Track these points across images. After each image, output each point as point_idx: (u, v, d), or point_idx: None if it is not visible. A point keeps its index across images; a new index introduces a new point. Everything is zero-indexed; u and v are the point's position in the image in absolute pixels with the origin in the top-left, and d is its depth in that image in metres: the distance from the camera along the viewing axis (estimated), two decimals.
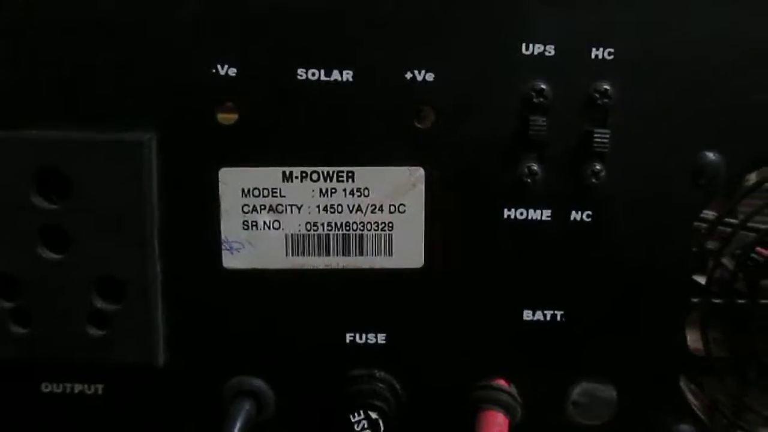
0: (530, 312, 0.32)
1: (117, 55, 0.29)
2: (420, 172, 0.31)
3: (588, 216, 0.31)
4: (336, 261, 0.32)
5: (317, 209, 0.31)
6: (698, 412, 0.34)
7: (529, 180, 0.31)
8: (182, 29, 0.29)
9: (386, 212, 0.31)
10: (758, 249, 0.33)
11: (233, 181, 0.31)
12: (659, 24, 0.30)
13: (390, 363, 0.33)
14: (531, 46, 0.30)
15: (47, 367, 0.32)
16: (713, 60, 0.30)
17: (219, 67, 0.29)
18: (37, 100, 0.30)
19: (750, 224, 0.32)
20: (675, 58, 0.30)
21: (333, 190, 0.31)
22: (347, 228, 0.31)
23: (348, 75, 0.30)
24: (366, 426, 0.32)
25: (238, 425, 0.31)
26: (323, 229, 0.31)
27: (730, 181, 0.31)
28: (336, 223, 0.31)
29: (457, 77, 0.30)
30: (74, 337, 0.31)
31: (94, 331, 0.31)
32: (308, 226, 0.31)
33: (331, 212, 0.31)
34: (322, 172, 0.31)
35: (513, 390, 0.33)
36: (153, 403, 0.33)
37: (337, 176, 0.31)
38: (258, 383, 0.33)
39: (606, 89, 0.30)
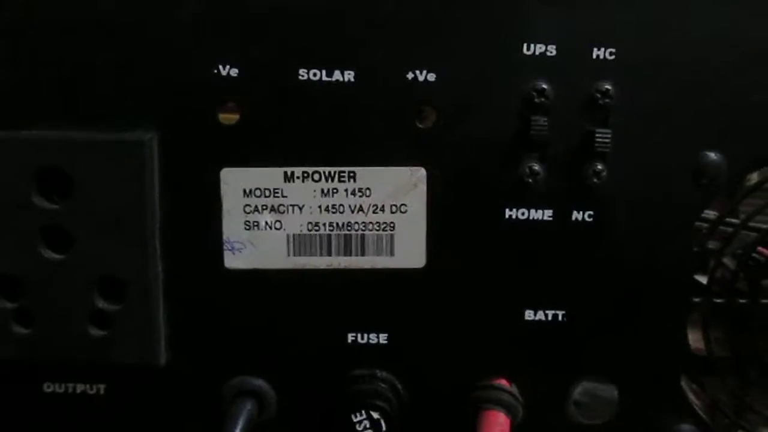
0: (532, 312, 0.32)
1: (118, 54, 0.29)
2: (421, 172, 0.31)
3: (589, 216, 0.31)
4: (337, 261, 0.32)
5: (319, 209, 0.31)
6: (699, 412, 0.34)
7: (530, 180, 0.31)
8: (183, 29, 0.29)
9: (388, 212, 0.31)
10: (759, 249, 0.33)
11: (235, 182, 0.31)
12: (660, 24, 0.30)
13: (391, 363, 0.33)
14: (532, 46, 0.30)
15: (49, 367, 0.32)
16: (714, 60, 0.30)
17: (220, 67, 0.29)
18: (38, 100, 0.30)
19: (751, 224, 0.32)
20: (676, 57, 0.30)
21: (334, 191, 0.31)
22: (349, 228, 0.31)
23: (349, 75, 0.30)
24: (368, 426, 0.32)
25: (239, 425, 0.31)
26: (325, 229, 0.31)
27: (732, 181, 0.31)
28: (337, 223, 0.31)
29: (458, 77, 0.30)
30: (76, 337, 0.31)
31: (95, 331, 0.31)
32: (310, 226, 0.31)
33: (333, 212, 0.31)
34: (324, 173, 0.31)
35: (514, 390, 0.33)
36: (155, 403, 0.33)
37: (339, 176, 0.31)
38: (260, 383, 0.33)
39: (607, 89, 0.30)
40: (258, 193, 0.31)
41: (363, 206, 0.31)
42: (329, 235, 0.31)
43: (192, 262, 0.31)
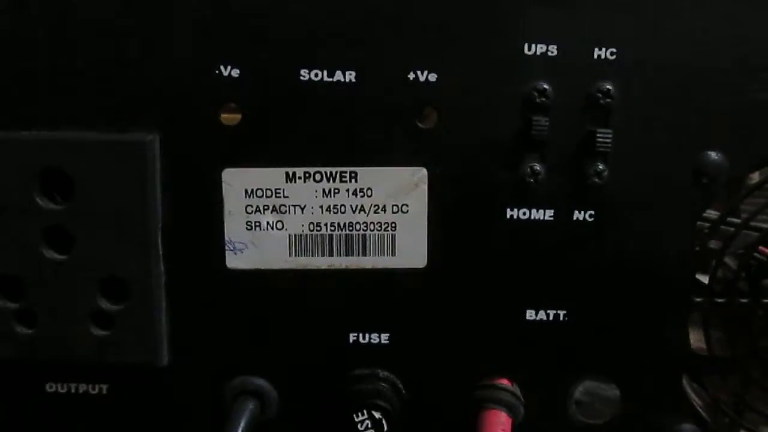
0: (533, 311, 0.32)
1: (120, 55, 0.29)
2: (423, 172, 0.31)
3: (590, 216, 0.31)
4: (339, 261, 0.32)
5: (320, 209, 0.31)
6: (700, 411, 0.34)
7: (531, 180, 0.31)
8: (185, 30, 0.29)
9: (389, 212, 0.31)
10: (760, 248, 0.33)
11: (237, 182, 0.31)
12: (661, 24, 0.30)
13: (393, 363, 0.33)
14: (533, 46, 0.30)
15: (51, 367, 0.32)
16: (715, 59, 0.30)
17: (222, 67, 0.30)
18: (40, 101, 0.30)
19: (752, 224, 0.32)
20: (677, 57, 0.30)
21: (336, 191, 0.31)
22: (350, 228, 0.31)
23: (351, 75, 0.30)
24: (369, 425, 0.32)
25: (241, 425, 0.31)
26: (326, 230, 0.31)
27: (733, 181, 0.32)
28: (339, 224, 0.31)
29: (459, 77, 0.30)
30: (78, 338, 0.31)
31: (97, 332, 0.31)
32: (311, 227, 0.31)
33: (335, 212, 0.31)
34: (325, 173, 0.31)
35: (516, 389, 0.33)
36: (157, 402, 0.33)
37: (340, 176, 0.31)
38: (261, 383, 0.33)
39: (608, 89, 0.30)
40: (260, 193, 0.31)
41: (364, 206, 0.31)
42: (331, 236, 0.31)
43: (194, 263, 0.31)
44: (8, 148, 0.29)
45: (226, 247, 0.31)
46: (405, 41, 0.30)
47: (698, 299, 0.33)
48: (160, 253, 0.31)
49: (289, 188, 0.31)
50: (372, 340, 0.33)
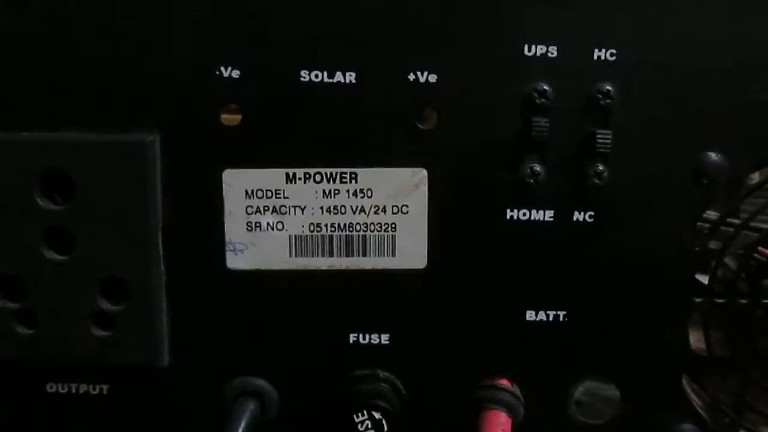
0: (533, 312, 0.32)
1: (120, 55, 0.29)
2: (423, 173, 0.31)
3: (590, 216, 0.31)
4: (339, 262, 0.32)
5: (320, 210, 0.31)
6: (700, 411, 0.34)
7: (531, 181, 0.31)
8: (186, 30, 0.29)
9: (389, 213, 0.31)
10: (760, 249, 0.33)
11: (237, 183, 0.31)
12: (661, 24, 0.30)
13: (393, 363, 0.33)
14: (533, 47, 0.30)
15: (52, 367, 0.32)
16: (714, 60, 0.30)
17: (222, 68, 0.30)
18: (41, 102, 0.30)
19: (752, 224, 0.32)
20: (677, 58, 0.30)
21: (336, 192, 0.31)
22: (350, 229, 0.31)
23: (351, 76, 0.30)
24: (369, 426, 0.32)
25: (242, 425, 0.31)
26: (326, 230, 0.31)
27: (733, 181, 0.32)
28: (339, 224, 0.31)
29: (459, 78, 0.30)
30: (79, 338, 0.31)
31: (98, 332, 0.31)
32: (311, 227, 0.31)
33: (335, 213, 0.31)
34: (326, 174, 0.31)
35: (516, 390, 0.33)
36: (157, 403, 0.33)
37: (341, 177, 0.31)
38: (261, 383, 0.33)
39: (608, 90, 0.30)
40: (260, 194, 0.31)
41: (364, 207, 0.31)
42: (331, 236, 0.31)
43: (194, 263, 0.31)
44: (9, 149, 0.29)
45: (227, 248, 0.31)
46: (405, 42, 0.30)
47: (698, 299, 0.33)
48: (161, 253, 0.31)
49: (290, 189, 0.31)
50: (372, 341, 0.33)
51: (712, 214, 0.33)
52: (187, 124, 0.30)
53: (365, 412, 0.32)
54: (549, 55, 0.30)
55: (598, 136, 0.30)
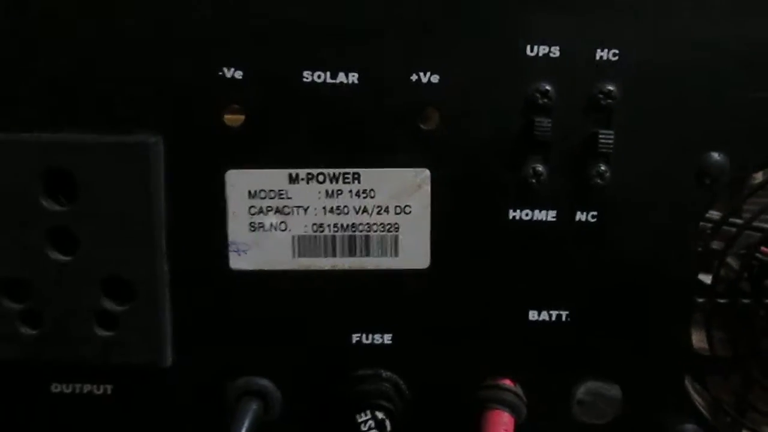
0: (536, 312, 0.32)
1: (124, 56, 0.29)
2: (425, 173, 0.31)
3: (593, 216, 0.31)
4: (342, 262, 0.32)
5: (323, 211, 0.31)
6: (703, 411, 0.34)
7: (534, 181, 0.31)
8: (189, 32, 0.29)
9: (392, 213, 0.31)
10: (763, 249, 0.33)
11: (240, 183, 0.31)
12: (663, 24, 0.30)
13: (396, 363, 0.33)
14: (535, 47, 0.30)
15: (56, 367, 0.32)
16: (717, 60, 0.30)
17: (225, 69, 0.30)
18: (44, 103, 0.30)
19: (755, 224, 0.32)
20: (679, 58, 0.30)
21: (339, 192, 0.31)
22: (353, 229, 0.31)
23: (353, 77, 0.30)
24: (372, 426, 0.32)
25: (245, 425, 0.31)
26: (329, 231, 0.31)
27: (735, 181, 0.32)
28: (342, 225, 0.31)
29: (462, 79, 0.30)
30: (83, 338, 0.31)
31: (102, 332, 0.31)
32: (314, 228, 0.31)
33: (337, 213, 0.31)
34: (328, 174, 0.31)
35: (518, 389, 0.33)
36: (161, 403, 0.33)
37: (343, 178, 0.31)
38: (265, 383, 0.33)
39: (610, 90, 0.30)
40: (263, 194, 0.31)
41: (367, 207, 0.31)
42: (334, 237, 0.32)
43: (197, 264, 0.31)
44: (12, 150, 0.29)
45: (230, 248, 0.31)
46: (407, 42, 0.30)
47: (700, 299, 0.33)
48: (164, 253, 0.31)
49: (292, 189, 0.31)
50: (375, 341, 0.33)
51: (714, 214, 0.33)
52: (190, 124, 0.30)
53: (368, 412, 0.32)
54: (551, 55, 0.30)
55: (600, 136, 0.30)
